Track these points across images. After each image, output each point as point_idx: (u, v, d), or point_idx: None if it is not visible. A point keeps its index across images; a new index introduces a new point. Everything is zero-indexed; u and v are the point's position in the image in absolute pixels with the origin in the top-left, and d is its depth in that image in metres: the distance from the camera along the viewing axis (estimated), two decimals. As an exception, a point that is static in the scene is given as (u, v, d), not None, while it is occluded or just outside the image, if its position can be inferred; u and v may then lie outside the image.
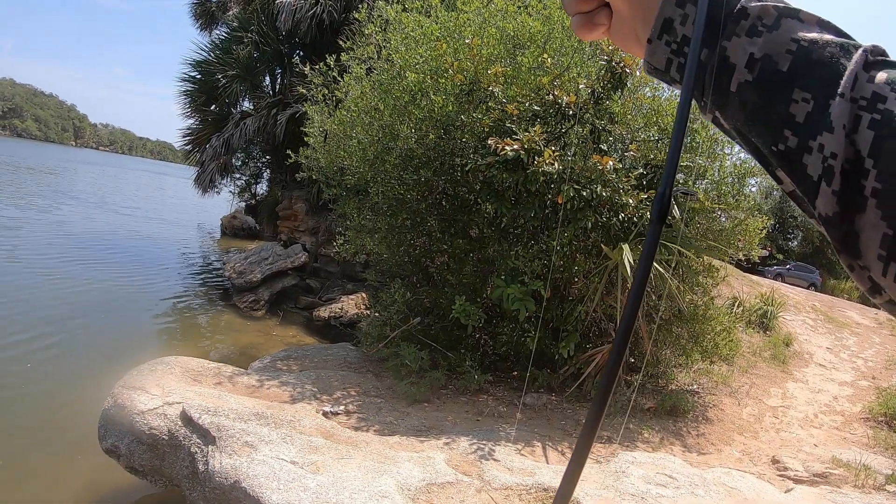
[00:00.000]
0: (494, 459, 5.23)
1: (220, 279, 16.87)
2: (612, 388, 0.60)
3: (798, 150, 0.56)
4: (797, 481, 6.03)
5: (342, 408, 6.33)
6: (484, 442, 5.61)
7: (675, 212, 7.32)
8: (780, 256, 30.79)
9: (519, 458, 5.38)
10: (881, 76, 0.53)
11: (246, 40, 19.03)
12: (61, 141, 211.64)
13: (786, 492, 5.69)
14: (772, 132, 0.59)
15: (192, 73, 20.57)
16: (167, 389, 5.67)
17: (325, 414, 6.09)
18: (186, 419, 5.15)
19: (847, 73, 0.54)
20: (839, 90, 0.54)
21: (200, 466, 4.80)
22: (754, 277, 18.80)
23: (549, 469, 5.18)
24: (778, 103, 0.58)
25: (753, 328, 12.14)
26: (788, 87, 0.57)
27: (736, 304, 11.80)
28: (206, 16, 25.24)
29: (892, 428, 8.20)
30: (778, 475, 6.20)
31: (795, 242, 36.18)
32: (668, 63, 0.68)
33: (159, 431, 5.21)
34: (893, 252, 0.50)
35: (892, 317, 0.60)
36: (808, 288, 26.50)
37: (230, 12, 21.93)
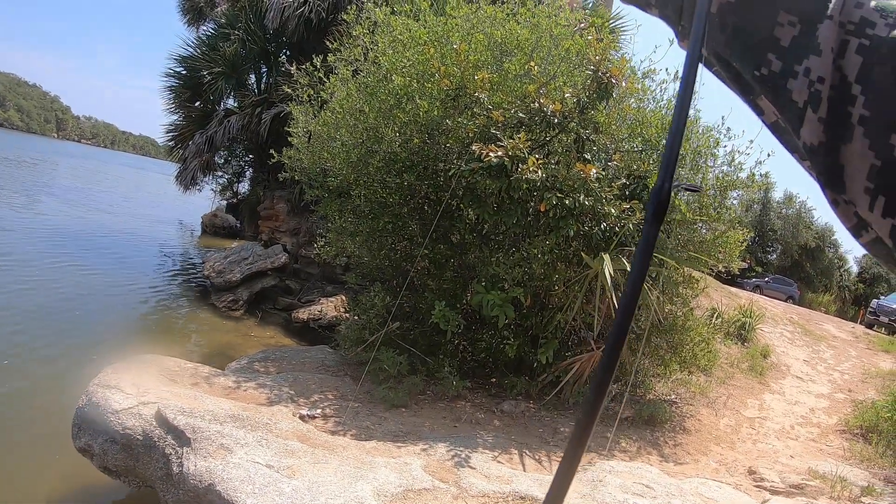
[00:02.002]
0: (471, 466, 5.21)
1: (199, 278, 16.74)
2: (605, 393, 0.57)
3: (783, 75, 0.54)
4: (773, 492, 6.07)
5: (319, 411, 6.29)
6: (461, 448, 5.59)
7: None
8: (760, 269, 31.06)
9: (496, 465, 5.37)
10: (871, 2, 0.51)
11: (233, 37, 18.91)
12: (43, 132, 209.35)
13: (762, 503, 5.72)
14: (755, 56, 0.56)
15: (178, 69, 20.42)
16: (143, 389, 5.59)
17: (301, 417, 6.05)
18: (161, 420, 5.08)
19: None
20: (828, 13, 0.51)
21: (175, 468, 4.74)
22: (733, 289, 18.96)
23: (525, 477, 5.17)
24: (762, 26, 0.55)
25: (732, 340, 12.22)
26: (773, 9, 0.55)
27: (715, 316, 11.87)
28: (194, 11, 25.07)
29: (868, 440, 8.27)
30: (754, 486, 6.23)
31: (774, 255, 36.53)
32: None
33: (133, 431, 5.14)
34: (881, 184, 0.48)
35: (881, 262, 0.56)
36: (786, 301, 26.73)
37: (218, 8, 21.81)
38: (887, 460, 7.59)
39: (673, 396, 8.49)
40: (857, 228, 0.53)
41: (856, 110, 0.49)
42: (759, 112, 0.61)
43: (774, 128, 0.60)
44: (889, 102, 0.47)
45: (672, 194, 0.56)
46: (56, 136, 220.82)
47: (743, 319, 12.81)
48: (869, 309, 26.15)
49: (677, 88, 0.57)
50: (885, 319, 24.34)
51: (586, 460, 6.03)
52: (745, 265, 9.05)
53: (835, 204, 0.54)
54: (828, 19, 0.51)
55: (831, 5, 0.51)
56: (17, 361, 8.65)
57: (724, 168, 8.16)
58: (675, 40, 0.67)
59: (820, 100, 0.51)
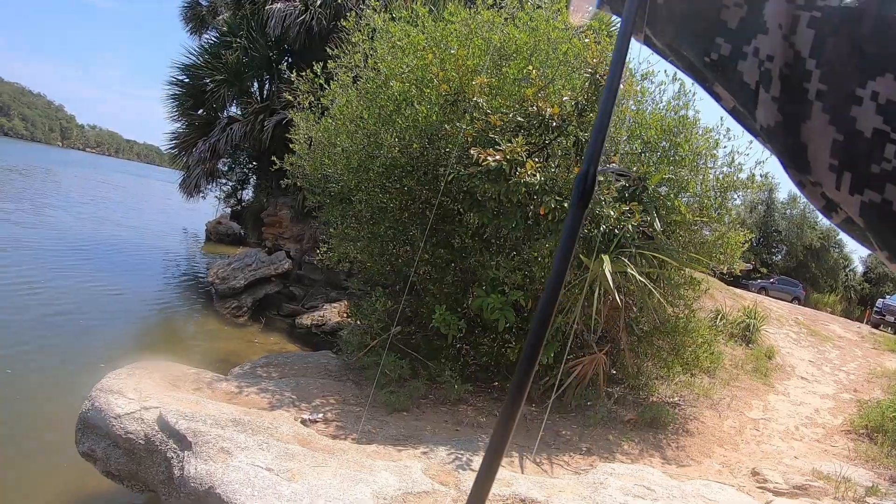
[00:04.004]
0: (472, 469, 5.22)
1: (203, 284, 16.79)
2: (527, 383, 0.56)
3: (732, 57, 0.53)
4: (777, 493, 6.05)
5: (321, 415, 6.31)
6: (462, 452, 5.60)
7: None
8: (764, 270, 30.97)
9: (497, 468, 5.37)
10: None
11: (235, 45, 18.97)
12: (48, 141, 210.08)
13: (765, 504, 5.72)
14: (703, 41, 0.56)
15: (181, 77, 20.47)
16: (145, 394, 5.63)
17: (303, 421, 6.06)
18: (163, 424, 5.12)
19: None
20: None
21: (176, 472, 4.76)
22: (738, 291, 18.91)
23: (526, 479, 5.17)
24: (707, 10, 0.55)
25: (736, 341, 12.19)
26: None
27: (719, 317, 11.84)
28: (196, 19, 25.16)
29: (874, 441, 8.25)
30: (758, 487, 6.22)
31: (779, 256, 36.45)
32: None
33: (136, 436, 5.17)
34: (845, 159, 0.47)
35: (857, 241, 0.54)
36: (791, 301, 26.67)
37: (220, 17, 21.86)
38: (892, 460, 7.57)
39: (676, 399, 8.48)
40: (827, 210, 0.52)
41: (812, 85, 0.48)
42: (718, 99, 0.60)
43: (734, 113, 0.59)
44: (846, 73, 0.46)
45: (599, 179, 0.56)
46: (61, 144, 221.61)
47: (747, 321, 12.77)
48: (875, 308, 26.08)
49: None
50: (890, 319, 24.27)
51: (587, 463, 6.04)
52: (748, 266, 9.03)
53: (801, 186, 0.53)
54: None
55: None
56: (21, 369, 8.70)
57: (725, 169, 8.16)
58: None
59: (771, 78, 0.50)
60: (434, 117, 7.46)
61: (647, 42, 0.65)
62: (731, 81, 0.55)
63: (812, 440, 8.24)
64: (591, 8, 0.65)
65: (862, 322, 24.34)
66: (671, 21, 0.58)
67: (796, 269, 34.81)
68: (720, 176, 8.16)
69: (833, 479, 6.49)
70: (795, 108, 0.49)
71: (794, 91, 0.49)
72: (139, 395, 5.59)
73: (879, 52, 0.45)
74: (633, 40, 0.67)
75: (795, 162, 0.51)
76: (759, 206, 33.34)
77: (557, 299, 0.53)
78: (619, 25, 0.64)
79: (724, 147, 8.07)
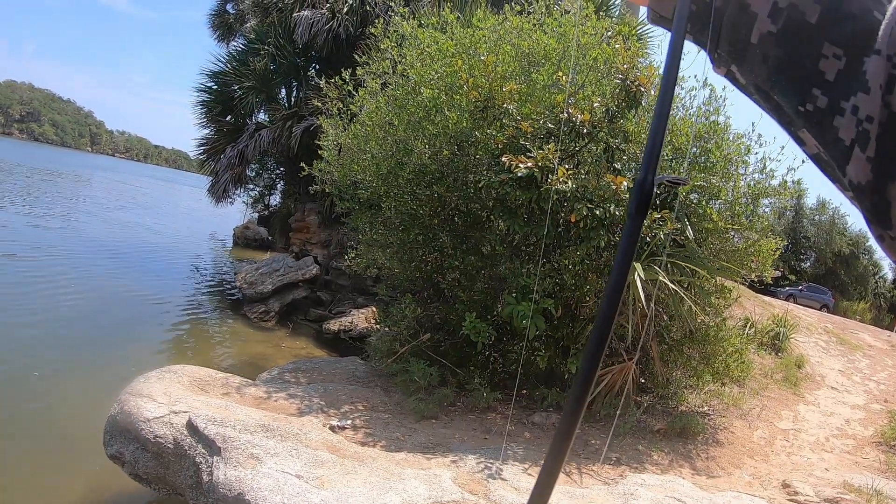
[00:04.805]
0: (502, 479, 5.19)
1: (231, 289, 16.92)
2: (589, 389, 0.56)
3: (829, 111, 0.52)
4: (808, 506, 5.97)
5: (349, 422, 6.32)
6: (492, 461, 5.58)
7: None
8: (793, 277, 30.58)
9: (527, 477, 5.35)
10: None
11: (262, 52, 19.14)
12: (77, 146, 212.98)
13: (796, 517, 5.64)
14: (798, 90, 0.54)
15: (209, 84, 20.71)
16: (174, 398, 5.67)
17: (332, 428, 6.07)
18: (192, 428, 5.14)
19: (883, 27, 0.50)
20: (875, 46, 0.49)
21: (205, 477, 4.79)
22: (767, 298, 18.70)
23: (556, 489, 5.14)
24: (806, 58, 0.53)
25: (765, 350, 12.04)
26: (818, 40, 0.53)
27: (748, 325, 11.72)
28: (223, 27, 25.48)
29: (905, 453, 8.12)
30: (788, 500, 6.12)
31: (808, 263, 35.98)
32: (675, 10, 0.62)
33: (164, 440, 5.21)
34: None
35: None
36: (820, 309, 26.31)
37: (248, 24, 22.09)
38: (926, 473, 7.44)
39: (706, 408, 8.39)
40: None
41: None
42: (801, 143, 0.58)
43: (816, 160, 0.58)
44: None
45: (655, 188, 0.55)
46: (90, 149, 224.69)
47: (777, 329, 12.62)
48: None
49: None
50: (922, 328, 23.86)
51: (617, 473, 5.99)
52: (777, 273, 8.93)
53: (881, 239, 0.52)
54: (875, 53, 0.49)
55: (878, 37, 0.49)
56: (50, 373, 8.81)
57: (756, 176, 8.08)
58: (711, 66, 0.66)
59: (868, 139, 0.49)
60: (464, 124, 7.47)
61: (730, 77, 0.64)
62: (826, 134, 0.53)
63: (843, 451, 8.12)
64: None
65: (892, 331, 23.95)
66: (765, 63, 0.57)
67: (825, 276, 34.36)
68: (751, 183, 8.08)
69: (865, 492, 6.39)
70: (886, 167, 0.49)
71: (887, 151, 0.48)
72: (168, 399, 5.63)
73: None
74: (714, 72, 0.67)
75: (879, 218, 0.51)
76: (788, 212, 32.95)
77: (616, 311, 0.53)
78: (646, 30, 0.63)
79: (756, 153, 7.97)
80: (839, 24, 0.52)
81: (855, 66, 0.50)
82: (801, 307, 22.08)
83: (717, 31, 0.59)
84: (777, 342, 12.42)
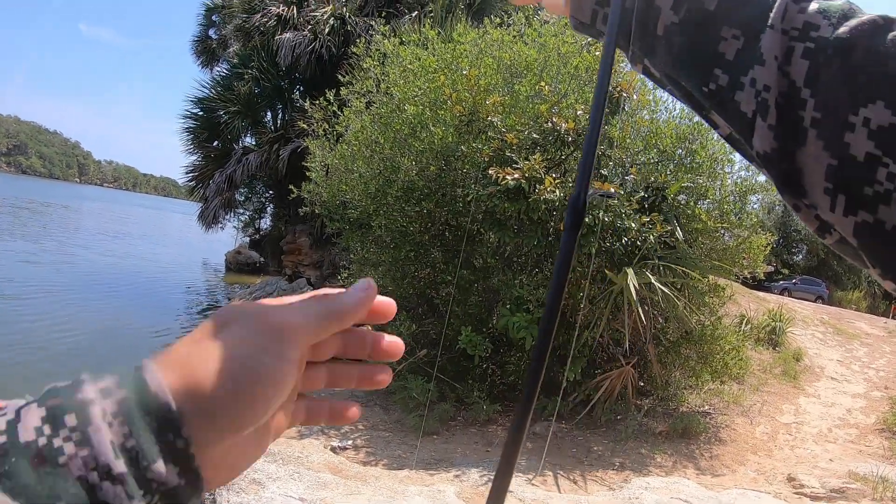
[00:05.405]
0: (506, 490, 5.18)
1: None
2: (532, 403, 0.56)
3: (729, 88, 0.55)
4: (814, 498, 5.97)
5: (350, 442, 6.32)
6: (494, 473, 5.56)
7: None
8: (786, 271, 30.59)
9: (531, 488, 5.35)
10: (812, 6, 0.52)
11: (247, 76, 19.20)
12: (65, 178, 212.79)
13: (803, 510, 5.65)
14: (701, 72, 0.57)
15: (194, 110, 20.74)
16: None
17: (333, 449, 6.07)
18: (194, 460, 5.13)
19: (776, 5, 0.53)
20: (769, 23, 0.52)
21: (209, 506, 4.77)
22: (761, 294, 18.74)
23: (561, 498, 5.15)
24: (706, 43, 0.56)
25: (763, 345, 12.07)
26: (716, 25, 0.56)
27: (744, 322, 11.75)
28: (207, 53, 25.53)
29: (909, 437, 8.14)
30: (794, 493, 6.13)
31: (800, 256, 36.07)
32: (594, 15, 0.66)
33: (167, 473, 5.19)
34: (839, 182, 0.48)
35: (850, 260, 0.56)
36: (815, 301, 26.37)
37: (230, 49, 22.17)
38: (930, 457, 7.47)
39: (706, 407, 8.40)
40: (821, 231, 0.54)
41: (807, 114, 0.49)
42: (715, 126, 0.61)
43: (730, 140, 0.60)
44: (839, 101, 0.48)
45: (588, 202, 0.57)
46: (78, 180, 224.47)
47: (773, 324, 12.65)
48: (901, 301, 25.70)
49: None
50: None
51: (621, 478, 5.99)
52: (770, 268, 8.96)
53: (796, 209, 0.54)
54: (769, 28, 0.52)
55: (772, 15, 0.52)
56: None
57: (742, 173, 8.15)
58: (630, 65, 0.69)
59: (768, 108, 0.51)
60: (450, 139, 7.50)
61: (646, 72, 0.67)
62: (729, 111, 0.56)
63: (846, 441, 8.13)
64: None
65: (888, 317, 23.98)
66: (670, 52, 0.60)
67: (818, 268, 34.42)
68: (738, 181, 8.13)
69: (870, 480, 6.39)
70: (791, 135, 0.51)
71: (790, 119, 0.51)
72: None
73: (870, 81, 0.47)
74: (633, 69, 0.69)
75: (791, 186, 0.53)
76: (777, 207, 33.03)
77: (555, 325, 0.53)
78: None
79: (741, 151, 8.02)
80: (736, 9, 0.55)
81: (752, 44, 0.53)
82: (797, 300, 22.12)
83: (628, 29, 0.61)
84: (774, 337, 12.44)
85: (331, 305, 0.47)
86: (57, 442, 0.34)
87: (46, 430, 0.34)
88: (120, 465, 0.34)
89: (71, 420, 0.35)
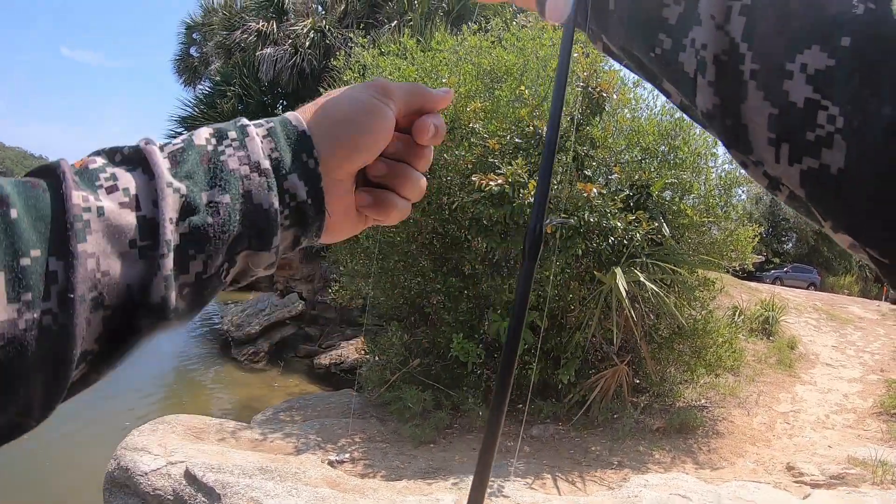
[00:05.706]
0: (504, 496, 5.19)
1: (218, 333, 16.81)
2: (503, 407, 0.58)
3: (673, 51, 0.56)
4: (814, 486, 5.99)
5: (347, 455, 6.30)
6: (493, 479, 5.56)
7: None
8: (777, 260, 30.70)
9: (529, 491, 5.35)
10: None
11: (229, 93, 19.15)
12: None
13: (804, 498, 5.65)
14: (648, 39, 0.58)
15: (178, 130, 20.64)
16: (170, 449, 5.64)
17: (330, 463, 6.06)
18: (191, 478, 5.12)
19: None
20: None
21: (207, 525, 4.76)
22: (753, 284, 18.77)
23: (560, 500, 5.15)
24: (651, 9, 0.57)
25: (756, 335, 12.09)
26: None
27: (737, 314, 11.77)
28: (189, 71, 25.46)
29: (906, 420, 8.17)
30: (794, 482, 6.15)
31: (790, 244, 36.18)
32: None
33: (164, 492, 5.18)
34: (782, 132, 0.48)
35: (805, 217, 0.55)
36: (807, 288, 26.45)
37: (212, 66, 22.11)
38: (928, 438, 7.49)
39: (703, 401, 8.42)
40: (772, 188, 0.53)
41: (745, 67, 0.50)
42: (668, 95, 0.62)
43: (682, 107, 0.62)
44: (776, 50, 0.48)
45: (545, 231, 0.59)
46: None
47: (766, 313, 12.68)
48: (893, 281, 25.71)
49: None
50: (911, 289, 23.93)
51: (620, 477, 6.00)
52: (760, 258, 9.00)
53: (745, 166, 0.54)
54: None
55: None
56: (42, 434, 8.69)
57: (726, 167, 8.17)
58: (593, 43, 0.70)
59: (706, 64, 0.52)
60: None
61: (606, 50, 0.68)
62: (674, 73, 0.57)
63: (844, 427, 8.16)
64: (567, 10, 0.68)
65: (881, 300, 24.08)
66: (621, 24, 0.61)
67: (809, 255, 34.53)
68: (722, 174, 8.16)
69: (870, 465, 6.42)
70: (732, 90, 0.51)
71: (730, 74, 0.51)
72: (164, 450, 5.60)
73: (805, 26, 0.47)
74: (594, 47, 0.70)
75: (737, 143, 0.52)
76: (764, 197, 33.15)
77: (520, 341, 0.55)
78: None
79: (723, 145, 8.05)
80: None
81: (691, 6, 0.54)
82: (789, 288, 22.18)
83: (585, 8, 0.63)
84: (767, 326, 12.48)
85: (422, 87, 0.62)
86: (221, 147, 0.51)
87: (213, 141, 0.51)
88: (266, 163, 0.51)
89: (233, 134, 0.52)
